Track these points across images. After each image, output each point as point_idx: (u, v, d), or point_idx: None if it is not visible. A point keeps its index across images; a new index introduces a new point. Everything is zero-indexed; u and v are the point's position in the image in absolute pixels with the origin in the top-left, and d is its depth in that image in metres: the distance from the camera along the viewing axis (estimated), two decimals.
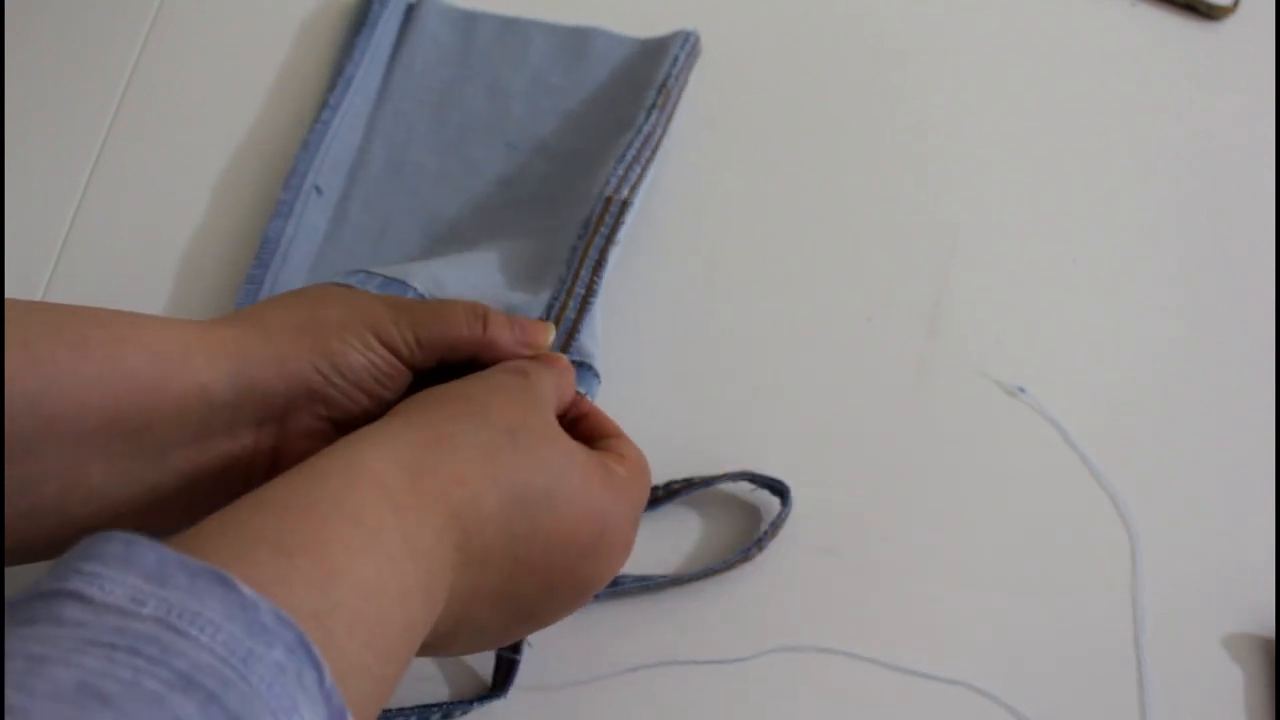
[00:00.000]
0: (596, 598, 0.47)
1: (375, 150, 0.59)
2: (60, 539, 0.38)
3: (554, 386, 0.43)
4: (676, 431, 0.52)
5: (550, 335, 0.46)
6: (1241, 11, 0.62)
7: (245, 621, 0.27)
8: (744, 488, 0.51)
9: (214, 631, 0.27)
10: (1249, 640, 0.48)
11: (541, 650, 0.48)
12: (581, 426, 0.44)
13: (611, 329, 0.53)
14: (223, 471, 0.41)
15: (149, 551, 0.28)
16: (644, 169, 0.54)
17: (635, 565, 0.49)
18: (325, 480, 0.34)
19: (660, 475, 0.49)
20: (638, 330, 0.54)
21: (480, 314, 0.44)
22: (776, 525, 0.49)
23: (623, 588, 0.49)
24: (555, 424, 0.40)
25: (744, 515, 0.51)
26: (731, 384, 0.53)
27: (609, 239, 0.51)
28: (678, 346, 0.54)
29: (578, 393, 0.45)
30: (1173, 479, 0.51)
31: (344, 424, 0.42)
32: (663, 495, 0.50)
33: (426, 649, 0.37)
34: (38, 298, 0.56)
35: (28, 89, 0.61)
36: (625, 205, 0.52)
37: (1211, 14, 0.62)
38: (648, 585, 0.49)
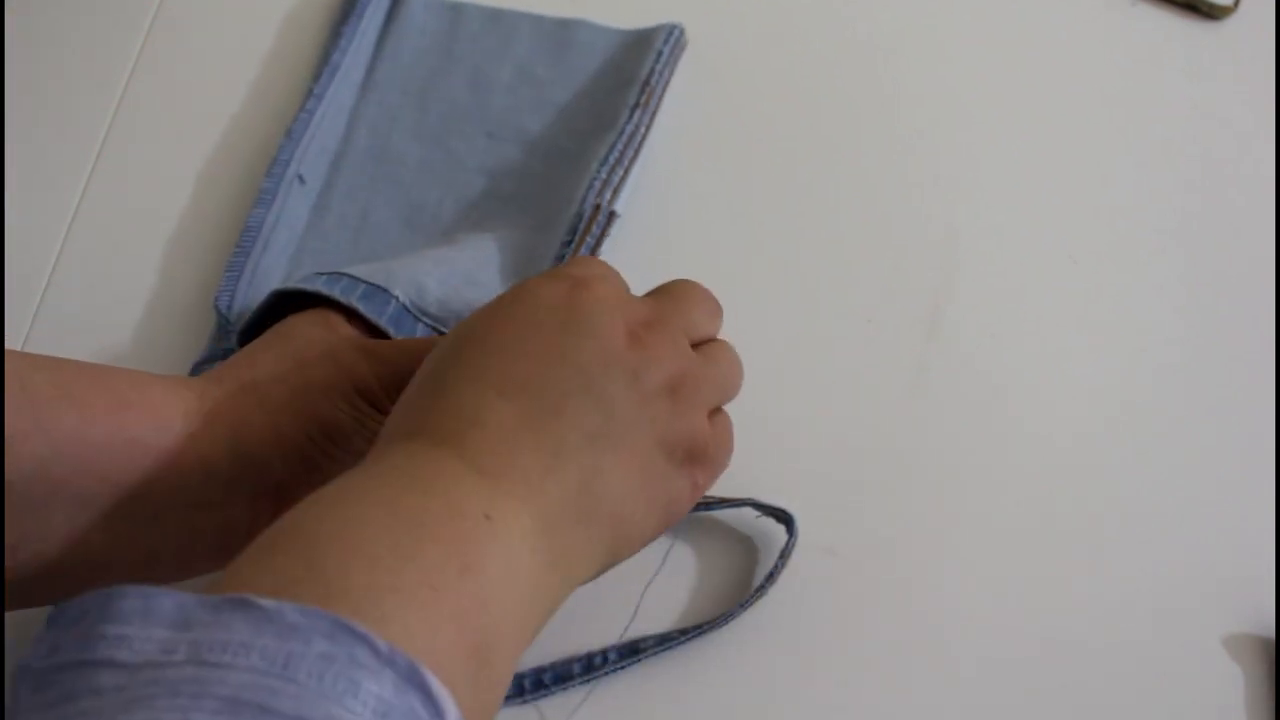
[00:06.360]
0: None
1: (358, 140, 0.59)
2: (57, 590, 0.38)
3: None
4: None
5: None
6: (1242, 11, 0.62)
7: (274, 632, 0.27)
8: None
9: (246, 651, 0.27)
10: (1249, 640, 0.48)
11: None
12: None
13: None
14: (220, 534, 0.41)
15: (166, 600, 0.28)
16: (626, 170, 0.55)
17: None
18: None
19: None
20: None
21: None
22: (785, 555, 0.49)
23: (643, 655, 0.47)
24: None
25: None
26: None
27: (594, 249, 0.53)
28: None
29: None
30: (1173, 479, 0.51)
31: None
32: None
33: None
34: (41, 287, 0.56)
35: (30, 83, 0.61)
36: (613, 216, 0.53)
37: (1212, 14, 0.62)
38: (669, 644, 0.48)
